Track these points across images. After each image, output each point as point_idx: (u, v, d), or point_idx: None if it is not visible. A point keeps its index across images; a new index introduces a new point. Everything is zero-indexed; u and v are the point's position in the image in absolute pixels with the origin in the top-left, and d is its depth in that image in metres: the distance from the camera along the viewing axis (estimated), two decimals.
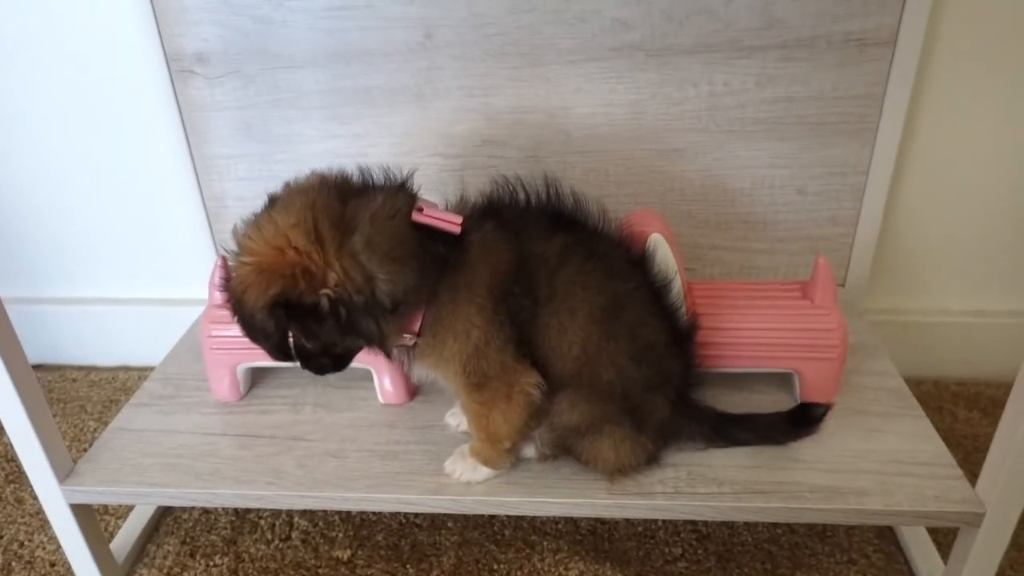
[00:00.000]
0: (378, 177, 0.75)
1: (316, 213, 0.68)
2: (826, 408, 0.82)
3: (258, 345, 0.71)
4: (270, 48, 1.01)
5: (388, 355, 0.74)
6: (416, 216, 0.71)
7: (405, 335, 0.73)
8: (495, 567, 0.92)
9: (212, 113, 1.06)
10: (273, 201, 0.72)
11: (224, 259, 0.74)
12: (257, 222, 0.70)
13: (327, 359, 0.74)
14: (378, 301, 0.68)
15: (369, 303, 0.68)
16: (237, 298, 0.69)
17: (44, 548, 0.98)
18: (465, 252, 0.72)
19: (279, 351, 0.71)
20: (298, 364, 0.75)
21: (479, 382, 0.75)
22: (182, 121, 1.06)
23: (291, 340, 0.71)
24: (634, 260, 0.79)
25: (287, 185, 0.74)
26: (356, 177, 0.74)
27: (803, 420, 0.82)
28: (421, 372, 0.79)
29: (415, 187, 0.76)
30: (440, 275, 0.71)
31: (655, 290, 0.79)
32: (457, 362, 0.74)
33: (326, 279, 0.67)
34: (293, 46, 1.00)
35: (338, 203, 0.69)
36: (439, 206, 0.76)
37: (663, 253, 0.80)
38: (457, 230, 0.71)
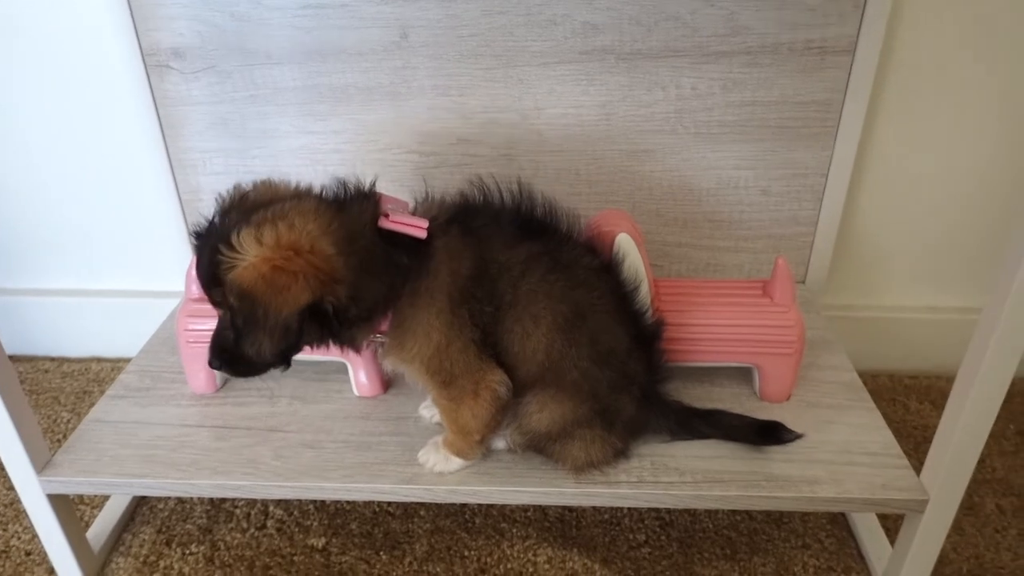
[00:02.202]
0: (341, 190, 0.76)
1: (331, 222, 0.69)
2: (796, 436, 0.84)
3: (253, 343, 0.69)
4: (247, 45, 1.02)
5: (358, 352, 0.77)
6: (383, 223, 0.73)
7: (375, 335, 0.76)
8: (466, 553, 0.95)
9: (188, 108, 1.06)
10: (262, 203, 0.71)
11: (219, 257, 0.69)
12: (272, 221, 0.68)
13: (282, 361, 0.74)
14: (359, 311, 0.71)
15: (356, 313, 0.71)
16: (261, 297, 0.67)
17: (19, 538, 0.98)
18: (429, 257, 0.74)
19: (284, 355, 0.71)
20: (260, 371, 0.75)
21: (446, 380, 0.77)
22: (158, 115, 1.07)
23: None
24: (601, 267, 0.81)
25: (269, 186, 0.75)
26: (327, 191, 0.75)
27: (772, 437, 0.85)
28: (387, 365, 0.81)
29: (376, 190, 0.77)
30: (404, 279, 0.73)
31: (622, 295, 0.82)
32: (419, 362, 0.76)
33: (335, 288, 0.69)
34: (270, 43, 1.02)
35: (337, 215, 0.71)
36: (407, 204, 0.78)
37: (630, 253, 0.84)
38: (423, 235, 0.73)
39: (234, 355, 0.72)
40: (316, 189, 0.76)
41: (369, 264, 0.71)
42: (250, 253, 0.67)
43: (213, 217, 0.73)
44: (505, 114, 1.05)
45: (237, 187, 0.76)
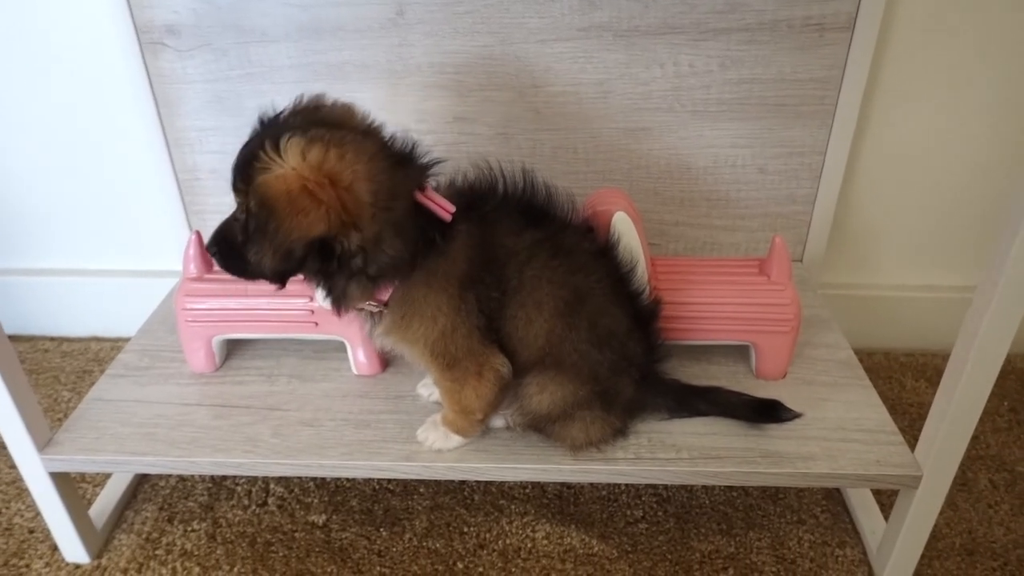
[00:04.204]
0: (408, 145, 0.74)
1: (380, 172, 0.68)
2: (795, 415, 0.85)
3: (256, 251, 0.68)
4: (242, 22, 1.01)
5: (339, 314, 0.75)
6: (418, 196, 0.72)
7: (370, 302, 0.75)
8: (465, 530, 0.96)
9: (184, 86, 1.06)
10: (330, 122, 0.69)
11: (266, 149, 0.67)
12: (326, 143, 0.66)
13: (276, 279, 0.72)
14: (366, 266, 0.70)
15: (359, 266, 0.70)
16: (279, 212, 0.65)
17: (22, 516, 0.99)
18: (451, 240, 0.74)
19: (280, 275, 0.70)
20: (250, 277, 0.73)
21: (449, 363, 0.78)
22: (153, 94, 1.06)
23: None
24: (599, 251, 0.81)
25: (348, 110, 0.73)
26: (395, 141, 0.74)
27: (770, 415, 0.86)
28: (384, 342, 0.80)
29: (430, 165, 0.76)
30: (423, 257, 0.73)
31: (619, 278, 0.82)
32: (423, 344, 0.77)
33: (351, 234, 0.67)
34: (265, 20, 1.01)
35: (391, 168, 0.70)
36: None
37: (626, 233, 0.84)
38: (449, 218, 0.73)
39: (233, 251, 0.71)
40: (387, 135, 0.74)
41: (398, 227, 0.70)
42: (289, 163, 0.65)
43: (280, 112, 0.72)
44: (502, 92, 1.05)
45: (319, 96, 0.74)
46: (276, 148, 0.66)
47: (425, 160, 0.75)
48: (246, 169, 0.68)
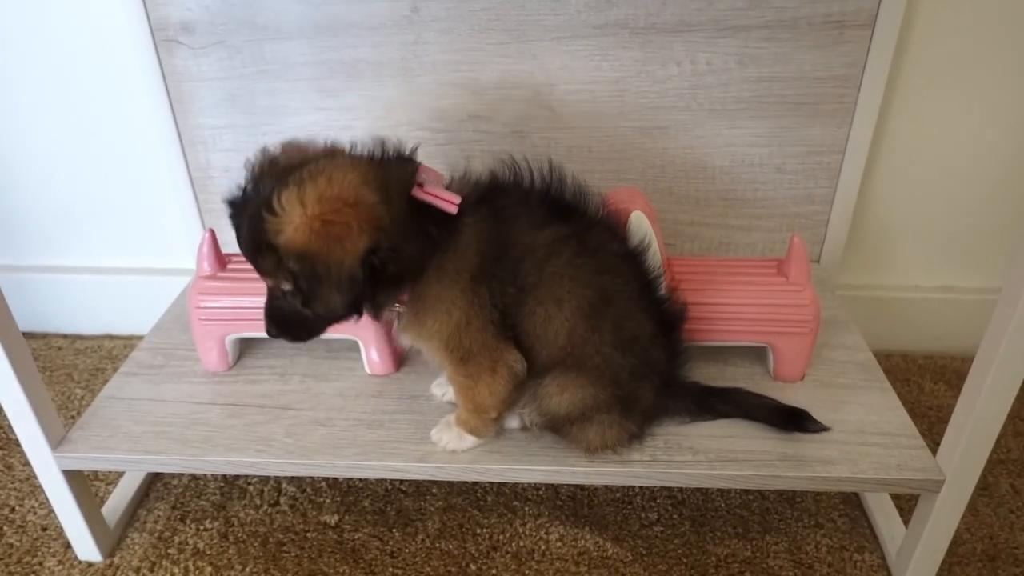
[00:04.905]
0: (377, 147, 0.74)
1: (367, 173, 0.68)
2: (823, 428, 0.83)
3: (322, 300, 0.68)
4: (256, 19, 1.01)
5: (378, 319, 0.76)
6: (416, 192, 0.71)
7: (395, 304, 0.75)
8: (478, 531, 0.95)
9: (197, 83, 1.06)
10: (294, 165, 0.69)
11: (265, 213, 0.67)
12: (311, 179, 0.67)
13: (354, 311, 0.72)
14: (396, 268, 0.70)
15: (394, 269, 0.70)
16: (321, 253, 0.65)
17: (35, 513, 0.99)
18: (458, 234, 0.73)
19: (355, 305, 0.70)
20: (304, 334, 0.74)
21: (463, 357, 0.77)
22: (167, 91, 1.06)
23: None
24: (627, 253, 0.80)
25: (297, 147, 0.73)
26: (359, 148, 0.74)
27: (795, 424, 0.84)
28: (404, 340, 0.80)
29: (417, 158, 0.76)
30: (432, 251, 0.72)
31: (647, 282, 0.80)
32: (438, 339, 0.76)
33: (386, 235, 0.68)
34: (279, 17, 1.00)
35: (375, 168, 0.70)
36: (443, 177, 0.76)
37: (645, 231, 0.83)
38: (454, 210, 0.72)
39: (297, 320, 0.72)
40: (347, 146, 0.74)
41: (403, 225, 0.70)
42: (296, 214, 0.65)
43: (246, 185, 0.72)
44: (517, 90, 1.04)
45: (264, 151, 0.73)
46: (275, 211, 0.66)
47: (404, 153, 0.74)
48: (262, 247, 0.68)
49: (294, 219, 0.66)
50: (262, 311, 0.89)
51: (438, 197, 0.72)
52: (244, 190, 0.71)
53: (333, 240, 0.66)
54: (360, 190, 0.67)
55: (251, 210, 0.68)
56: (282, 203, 0.66)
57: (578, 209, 0.78)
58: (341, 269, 0.66)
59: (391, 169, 0.72)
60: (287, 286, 0.70)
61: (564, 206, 0.78)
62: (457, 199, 0.72)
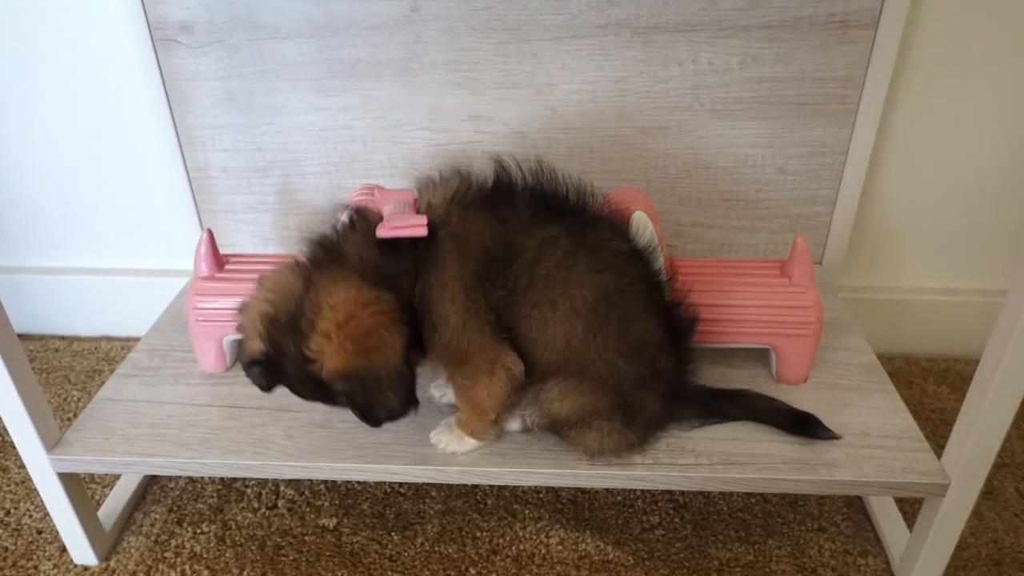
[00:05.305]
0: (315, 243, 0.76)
1: (346, 275, 0.71)
2: (833, 436, 0.82)
3: (381, 407, 0.71)
4: (255, 18, 1.00)
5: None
6: (380, 233, 0.72)
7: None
8: (478, 535, 0.94)
9: (196, 83, 1.05)
10: (290, 312, 0.71)
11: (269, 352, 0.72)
12: (320, 317, 0.69)
13: (412, 403, 0.75)
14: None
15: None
16: (365, 367, 0.69)
17: (31, 516, 0.98)
18: (436, 248, 0.72)
19: (410, 398, 0.73)
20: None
21: (462, 358, 0.76)
22: (165, 91, 1.05)
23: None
24: (632, 252, 0.78)
25: (274, 277, 0.75)
26: (307, 254, 0.76)
27: (803, 430, 0.83)
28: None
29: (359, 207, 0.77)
30: (414, 278, 0.73)
31: (656, 284, 0.78)
32: (440, 346, 0.75)
33: (405, 313, 0.71)
34: (278, 16, 1.00)
35: (340, 266, 0.72)
36: (410, 193, 0.76)
37: (646, 232, 0.82)
38: (424, 232, 0.71)
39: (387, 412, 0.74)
40: (299, 257, 0.75)
41: (386, 278, 0.72)
42: (325, 347, 0.68)
43: (260, 360, 0.72)
44: (518, 90, 1.03)
45: (245, 305, 0.74)
46: (308, 351, 0.69)
47: (348, 220, 0.76)
48: (319, 389, 0.71)
49: (328, 352, 0.68)
50: None
51: (402, 228, 0.72)
52: (266, 356, 0.72)
53: (371, 349, 0.69)
54: (359, 295, 0.69)
55: (293, 365, 0.71)
56: (312, 349, 0.69)
57: (572, 208, 0.77)
58: (390, 371, 0.69)
59: (350, 248, 0.73)
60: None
61: (557, 205, 0.76)
62: (422, 220, 0.71)
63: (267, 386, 0.75)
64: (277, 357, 0.72)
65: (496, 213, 0.74)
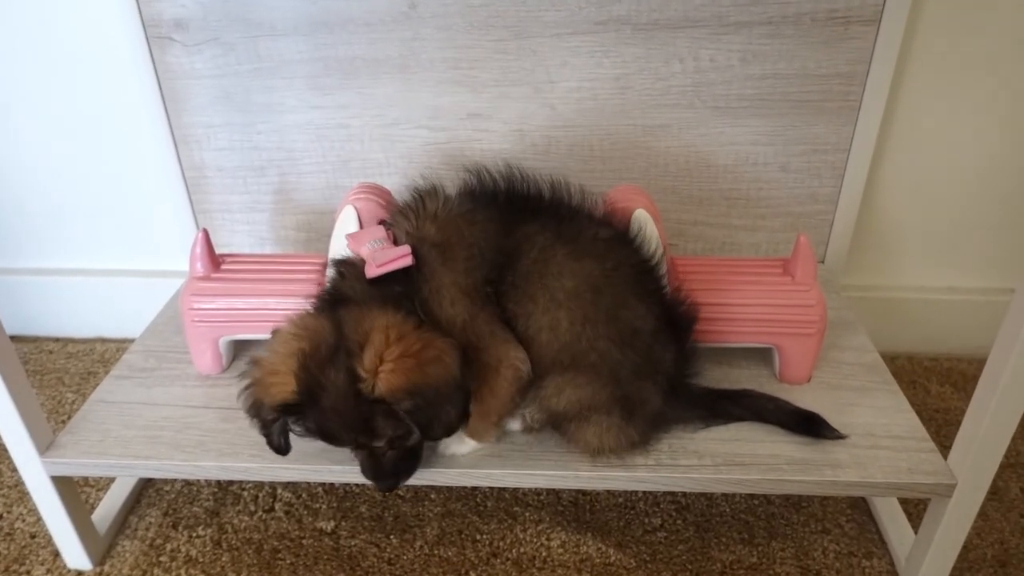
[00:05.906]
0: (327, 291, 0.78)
1: (370, 306, 0.72)
2: (839, 436, 0.81)
3: (440, 421, 0.71)
4: (250, 15, 0.99)
5: None
6: (371, 274, 0.73)
7: None
8: (478, 537, 0.93)
9: (191, 81, 1.04)
10: (329, 343, 0.70)
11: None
12: (370, 334, 0.69)
13: (465, 417, 0.77)
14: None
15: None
16: (427, 380, 0.68)
17: (24, 520, 0.97)
18: (423, 264, 0.74)
19: (466, 411, 0.75)
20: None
21: (469, 357, 0.75)
22: (160, 89, 1.04)
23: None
24: (614, 237, 0.78)
25: (307, 322, 0.74)
26: (322, 292, 0.78)
27: (810, 430, 0.82)
28: None
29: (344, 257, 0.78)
30: (412, 298, 0.74)
31: (644, 269, 0.78)
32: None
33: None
34: (274, 13, 0.99)
35: (366, 302, 0.73)
36: (380, 231, 0.76)
37: (648, 230, 0.81)
38: (411, 261, 0.73)
39: (410, 457, 0.75)
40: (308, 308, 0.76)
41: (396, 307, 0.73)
42: (379, 370, 0.68)
43: (291, 403, 0.70)
44: (517, 87, 1.02)
45: (285, 357, 0.71)
46: (360, 378, 0.68)
47: (337, 261, 0.78)
48: (366, 413, 0.69)
49: (384, 369, 0.68)
50: (257, 313, 0.88)
51: (389, 263, 0.73)
52: (298, 396, 0.70)
53: (430, 362, 0.69)
54: (400, 315, 0.71)
55: (336, 396, 0.68)
56: (365, 367, 0.68)
57: (547, 205, 0.78)
58: (451, 382, 0.70)
59: (354, 291, 0.74)
60: (397, 432, 0.71)
61: (531, 205, 0.77)
62: (406, 251, 0.73)
63: (284, 448, 0.75)
64: (313, 394, 0.69)
65: (471, 218, 0.76)
